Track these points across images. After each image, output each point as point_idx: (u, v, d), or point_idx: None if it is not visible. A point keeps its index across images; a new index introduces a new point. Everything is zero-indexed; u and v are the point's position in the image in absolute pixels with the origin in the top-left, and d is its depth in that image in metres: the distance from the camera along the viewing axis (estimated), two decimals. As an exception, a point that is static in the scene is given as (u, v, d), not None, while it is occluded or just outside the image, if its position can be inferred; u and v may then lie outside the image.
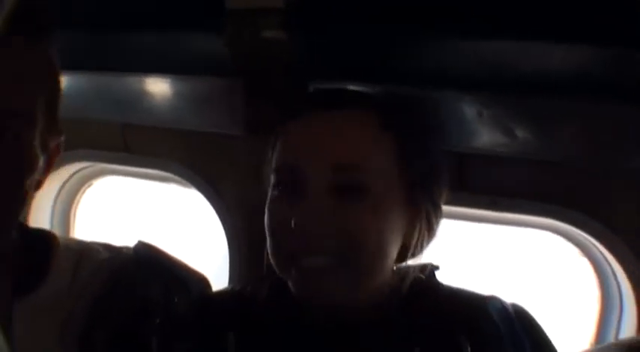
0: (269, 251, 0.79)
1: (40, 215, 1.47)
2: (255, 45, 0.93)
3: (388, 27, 0.90)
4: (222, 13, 0.92)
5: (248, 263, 1.18)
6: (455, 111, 0.91)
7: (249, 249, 1.17)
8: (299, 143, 0.78)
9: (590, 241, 1.02)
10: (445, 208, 0.84)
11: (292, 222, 0.73)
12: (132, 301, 0.84)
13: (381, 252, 0.75)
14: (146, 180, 1.43)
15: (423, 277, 0.84)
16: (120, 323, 0.82)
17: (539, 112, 0.89)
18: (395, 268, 0.83)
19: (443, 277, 0.87)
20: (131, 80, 1.13)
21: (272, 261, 0.79)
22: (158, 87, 1.11)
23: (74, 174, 1.47)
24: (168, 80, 1.09)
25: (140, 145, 1.29)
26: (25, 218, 1.36)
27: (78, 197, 1.53)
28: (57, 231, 1.45)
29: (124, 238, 0.97)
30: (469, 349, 0.75)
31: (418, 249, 0.82)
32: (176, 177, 1.27)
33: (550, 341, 0.82)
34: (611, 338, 1.07)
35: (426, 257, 0.84)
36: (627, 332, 1.03)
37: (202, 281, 0.95)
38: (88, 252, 0.88)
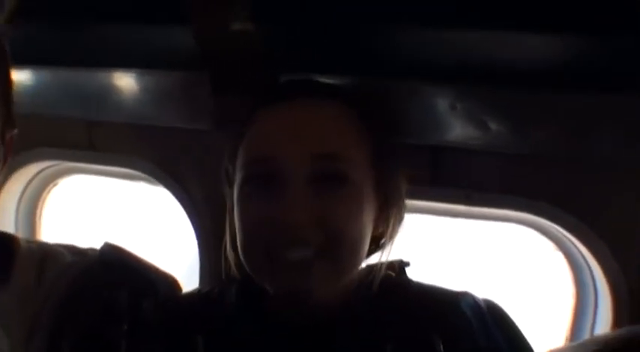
0: (242, 250, 0.77)
1: (4, 216, 1.43)
2: (224, 37, 0.91)
3: (358, 16, 0.89)
4: (188, 5, 0.90)
5: (218, 263, 1.15)
6: (428, 104, 0.91)
7: (219, 248, 1.15)
8: (274, 133, 0.76)
9: (564, 235, 1.02)
10: (418, 203, 0.84)
11: (274, 214, 0.71)
12: (98, 304, 0.83)
13: (360, 241, 0.75)
14: (113, 179, 1.40)
15: (393, 274, 0.84)
16: (87, 327, 0.81)
17: (513, 105, 0.89)
18: (365, 265, 0.82)
19: (417, 273, 0.86)
20: (96, 75, 1.10)
21: (245, 260, 0.77)
22: (124, 82, 1.09)
23: (39, 173, 1.43)
24: (134, 75, 1.07)
25: (106, 142, 1.26)
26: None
27: (43, 197, 1.49)
28: (22, 233, 1.43)
29: (92, 239, 0.96)
30: (441, 345, 0.75)
31: (387, 241, 0.82)
32: (144, 175, 1.24)
33: (524, 337, 0.81)
34: (586, 333, 1.07)
35: (398, 252, 0.84)
36: (603, 326, 1.03)
37: (171, 283, 0.93)
38: (52, 255, 0.86)
